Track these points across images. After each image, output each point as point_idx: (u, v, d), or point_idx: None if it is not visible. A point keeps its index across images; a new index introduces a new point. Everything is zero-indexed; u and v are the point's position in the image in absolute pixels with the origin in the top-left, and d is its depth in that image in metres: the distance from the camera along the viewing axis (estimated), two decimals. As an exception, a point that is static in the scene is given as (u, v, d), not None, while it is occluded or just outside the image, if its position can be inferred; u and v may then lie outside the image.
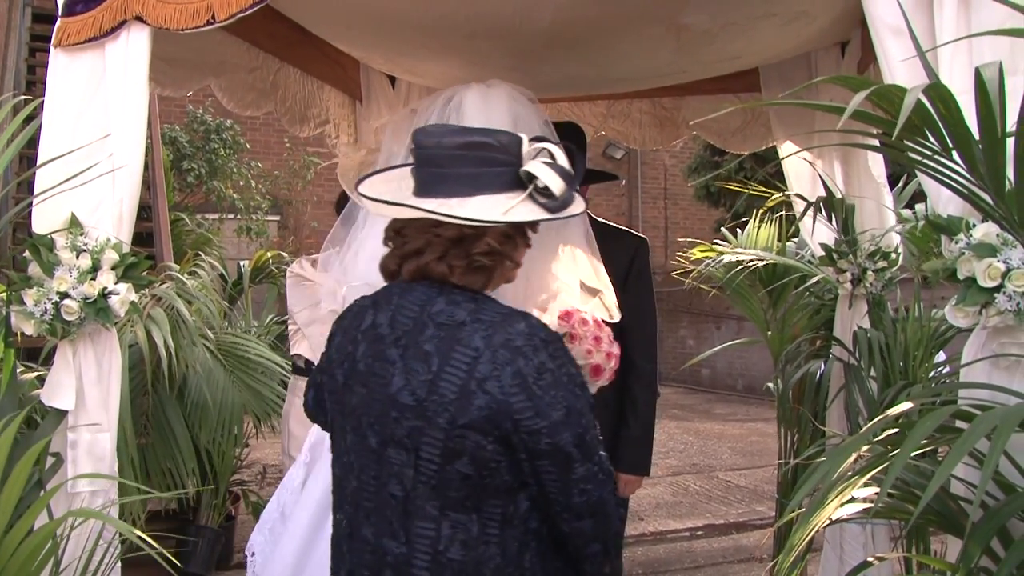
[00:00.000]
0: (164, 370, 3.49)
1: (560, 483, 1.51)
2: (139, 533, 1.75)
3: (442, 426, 1.48)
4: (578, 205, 1.62)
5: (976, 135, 1.33)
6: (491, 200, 1.55)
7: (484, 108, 2.04)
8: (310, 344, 3.00)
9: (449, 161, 1.56)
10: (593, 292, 2.19)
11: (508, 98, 2.09)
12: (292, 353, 3.18)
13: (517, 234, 1.63)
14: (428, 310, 1.55)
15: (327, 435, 1.96)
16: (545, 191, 1.56)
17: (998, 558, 1.43)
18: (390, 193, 1.61)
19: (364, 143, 3.86)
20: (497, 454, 1.49)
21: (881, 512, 1.59)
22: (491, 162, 1.56)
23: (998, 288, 1.56)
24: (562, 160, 1.59)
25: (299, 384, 3.24)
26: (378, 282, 1.73)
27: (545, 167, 1.56)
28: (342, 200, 3.00)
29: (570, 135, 2.89)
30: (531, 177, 1.56)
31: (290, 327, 3.13)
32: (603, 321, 2.09)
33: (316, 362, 2.77)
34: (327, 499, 1.90)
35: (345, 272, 2.12)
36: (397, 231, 1.64)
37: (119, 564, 2.14)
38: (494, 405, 1.47)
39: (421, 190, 1.58)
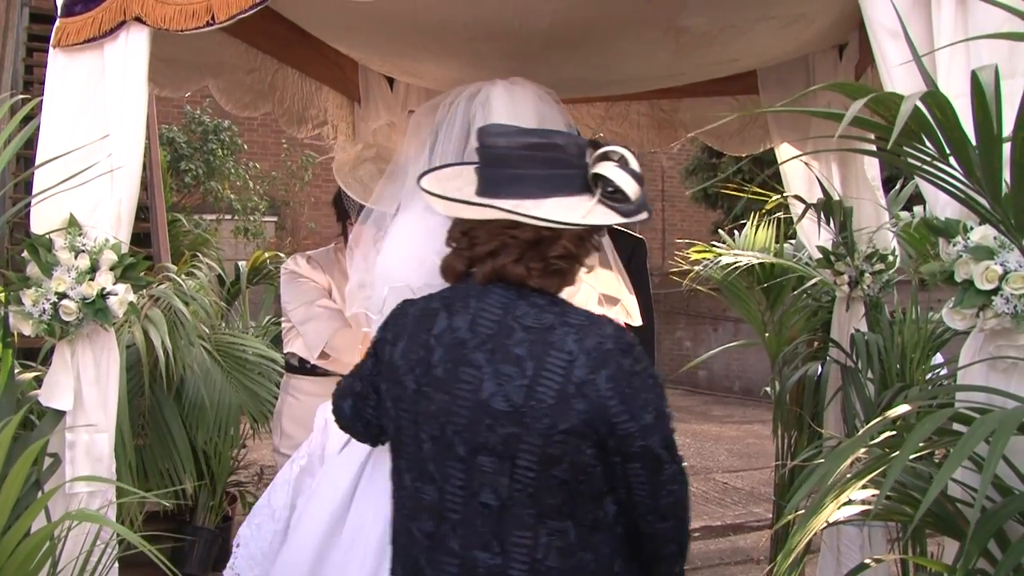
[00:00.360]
0: (162, 371, 3.49)
1: (649, 485, 1.51)
2: (136, 538, 1.75)
3: (541, 432, 1.46)
4: (645, 210, 1.59)
5: (973, 139, 1.33)
6: (565, 202, 1.53)
7: (511, 106, 2.01)
8: (305, 342, 2.91)
9: (519, 162, 1.54)
10: (613, 301, 2.18)
11: (534, 97, 2.07)
12: (285, 351, 3.08)
13: (589, 238, 1.61)
14: (512, 313, 1.53)
15: (340, 444, 1.98)
16: (618, 194, 1.53)
17: (995, 560, 1.44)
18: (455, 192, 1.59)
19: (362, 142, 3.86)
20: (593, 459, 1.48)
21: (879, 514, 1.59)
22: (560, 163, 1.54)
23: (995, 291, 1.57)
24: (634, 164, 1.57)
25: (292, 382, 3.17)
26: (417, 284, 1.77)
27: (619, 170, 1.54)
28: (340, 198, 2.95)
29: None
30: (600, 180, 1.54)
31: (283, 324, 3.05)
32: (626, 324, 2.10)
33: (310, 360, 2.85)
34: (340, 511, 1.91)
35: (374, 272, 2.01)
36: (465, 232, 1.61)
37: (116, 564, 2.14)
38: (592, 409, 1.46)
39: (489, 190, 1.56)
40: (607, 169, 1.53)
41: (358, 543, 1.91)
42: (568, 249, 1.55)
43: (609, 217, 1.54)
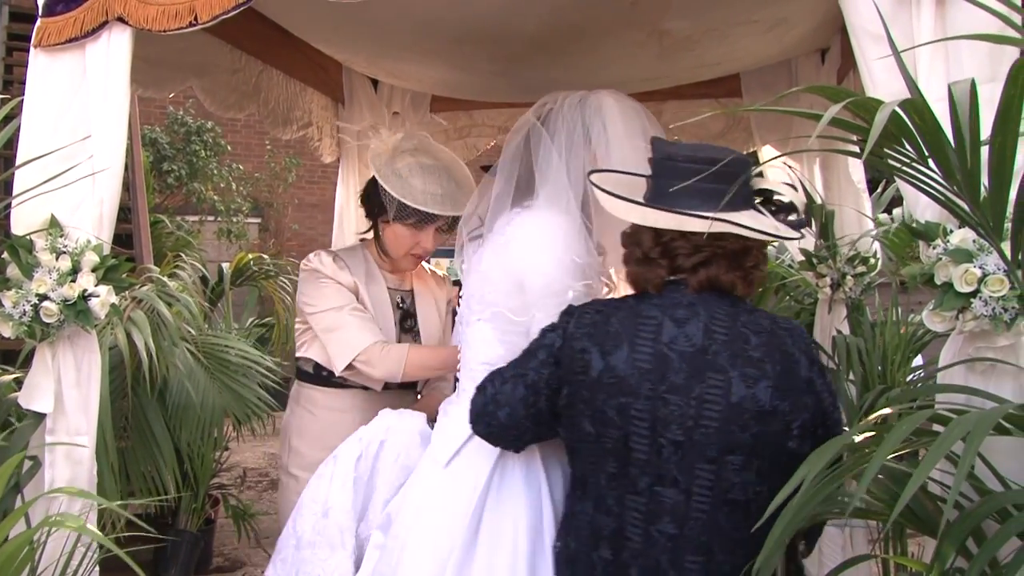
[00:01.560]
0: (145, 372, 3.46)
1: None
2: (114, 546, 1.73)
3: (781, 430, 1.60)
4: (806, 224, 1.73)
5: (952, 143, 1.35)
6: (753, 216, 1.64)
7: (623, 116, 2.03)
8: (330, 351, 2.57)
9: (716, 177, 1.59)
10: None
11: (639, 110, 2.10)
12: (299, 355, 2.75)
13: (763, 249, 1.73)
14: (738, 320, 1.63)
15: (443, 457, 1.98)
16: (789, 208, 1.66)
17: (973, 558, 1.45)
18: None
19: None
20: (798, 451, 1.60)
21: (859, 512, 1.60)
22: (730, 178, 1.59)
23: (974, 293, 1.58)
24: (793, 179, 1.69)
25: (304, 392, 2.77)
26: (579, 288, 1.88)
27: (788, 187, 1.66)
28: (373, 192, 2.69)
29: None
30: (765, 194, 1.67)
31: (298, 326, 2.77)
32: None
33: (333, 371, 2.56)
34: (471, 524, 1.88)
35: (515, 275, 1.95)
36: (660, 242, 1.69)
37: (97, 568, 2.12)
38: (816, 404, 1.63)
39: (663, 200, 1.65)
40: (774, 185, 1.66)
41: (500, 551, 1.86)
42: (759, 259, 1.69)
43: (789, 231, 1.66)
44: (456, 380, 2.24)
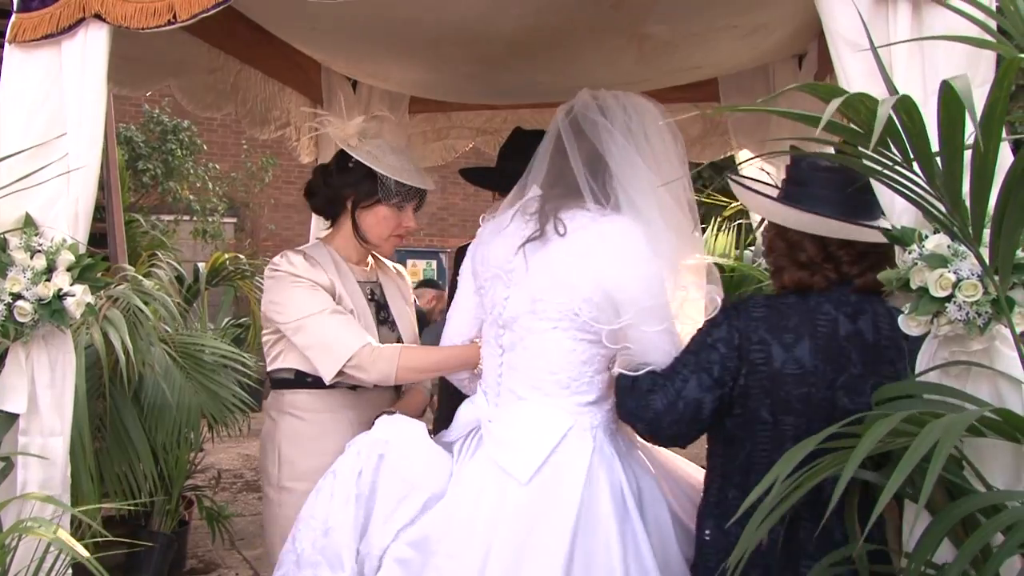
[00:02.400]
0: (121, 371, 3.42)
1: None
2: (84, 553, 1.71)
3: None
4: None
5: (936, 146, 1.36)
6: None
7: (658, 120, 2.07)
8: (325, 358, 2.36)
9: (846, 185, 1.80)
10: None
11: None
12: (275, 367, 2.53)
13: None
14: (894, 317, 1.74)
15: (526, 471, 1.92)
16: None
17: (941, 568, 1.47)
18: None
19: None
20: None
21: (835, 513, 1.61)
22: (864, 188, 1.77)
23: (949, 298, 1.60)
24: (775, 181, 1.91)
25: (287, 399, 2.54)
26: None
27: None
28: (339, 177, 2.57)
29: (535, 144, 2.89)
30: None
31: (267, 336, 2.54)
32: None
33: (324, 377, 2.36)
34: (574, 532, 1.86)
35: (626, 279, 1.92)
36: (825, 247, 1.84)
37: (70, 572, 2.10)
38: None
39: (832, 209, 1.80)
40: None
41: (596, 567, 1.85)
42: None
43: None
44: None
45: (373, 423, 2.23)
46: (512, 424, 1.99)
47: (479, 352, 2.23)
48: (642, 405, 1.86)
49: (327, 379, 2.37)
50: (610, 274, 1.90)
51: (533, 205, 2.03)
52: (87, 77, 2.15)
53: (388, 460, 2.08)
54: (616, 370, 1.96)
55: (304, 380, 2.50)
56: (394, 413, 2.37)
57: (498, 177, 2.90)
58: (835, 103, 1.22)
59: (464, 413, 2.17)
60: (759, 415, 1.81)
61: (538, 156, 2.10)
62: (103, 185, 6.39)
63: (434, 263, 12.89)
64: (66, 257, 2.10)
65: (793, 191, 1.88)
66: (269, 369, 2.56)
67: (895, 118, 1.33)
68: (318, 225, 3.85)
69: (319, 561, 2.02)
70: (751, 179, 2.08)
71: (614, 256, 1.91)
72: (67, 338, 2.19)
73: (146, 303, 3.72)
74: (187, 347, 4.24)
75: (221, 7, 2.09)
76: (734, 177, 1.96)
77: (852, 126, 1.39)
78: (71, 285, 2.10)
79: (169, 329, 4.19)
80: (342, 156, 2.58)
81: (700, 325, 1.92)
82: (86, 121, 2.15)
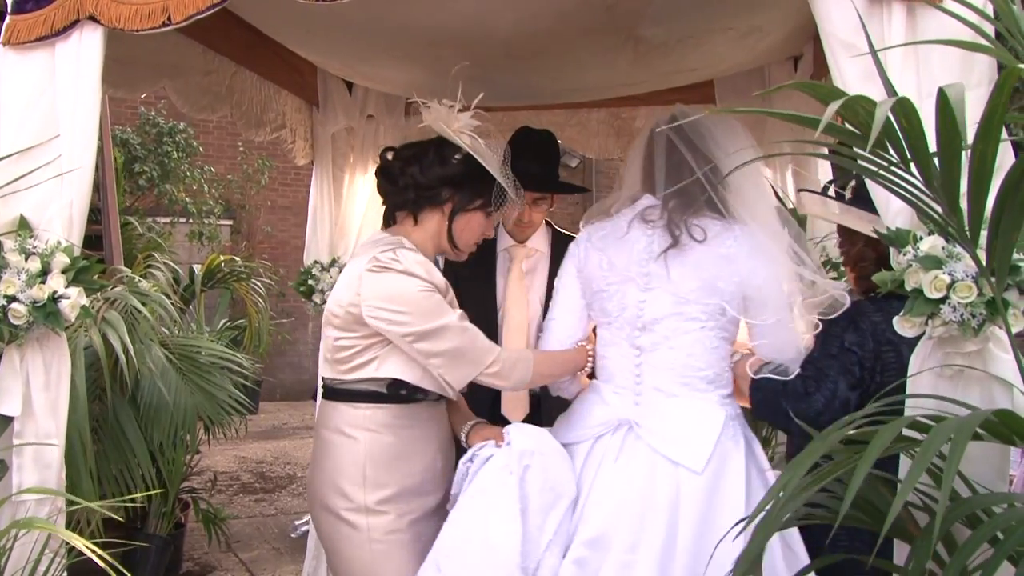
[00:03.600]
0: (120, 373, 3.41)
1: None
2: (85, 543, 1.71)
3: None
4: None
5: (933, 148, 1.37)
6: None
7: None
8: (454, 370, 2.19)
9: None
10: None
11: None
12: (362, 378, 2.24)
13: None
14: None
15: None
16: None
17: (943, 562, 1.47)
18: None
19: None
20: None
21: (835, 519, 1.62)
22: None
23: (943, 299, 1.60)
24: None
25: (367, 413, 2.25)
26: None
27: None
28: (460, 177, 2.33)
29: (545, 144, 2.88)
30: None
31: (354, 341, 2.22)
32: None
33: (454, 387, 2.24)
34: None
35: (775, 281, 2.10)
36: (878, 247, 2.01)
37: (66, 574, 2.09)
38: None
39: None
40: None
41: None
42: None
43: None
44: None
45: (450, 436, 2.34)
46: (671, 419, 2.11)
47: (587, 355, 2.31)
48: (804, 405, 1.99)
49: (457, 387, 2.24)
50: (750, 276, 2.08)
51: (653, 214, 2.17)
52: (81, 79, 2.15)
53: (533, 471, 2.10)
54: (759, 374, 2.10)
55: (397, 393, 2.25)
56: (481, 422, 2.40)
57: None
58: (834, 105, 1.22)
59: (598, 414, 2.21)
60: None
61: (639, 165, 2.26)
62: (99, 187, 6.39)
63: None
64: (61, 259, 2.10)
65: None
66: (350, 378, 2.25)
67: (893, 120, 1.34)
68: (315, 228, 3.85)
69: None
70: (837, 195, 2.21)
71: (753, 260, 2.08)
72: (62, 341, 2.18)
73: (144, 304, 3.71)
74: (184, 349, 4.24)
75: (216, 9, 2.09)
76: (827, 195, 2.18)
77: (848, 127, 1.40)
78: (66, 287, 2.10)
79: (167, 331, 4.19)
80: (442, 147, 2.32)
81: (815, 325, 2.06)
82: (80, 123, 2.15)
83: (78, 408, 2.23)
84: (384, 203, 2.43)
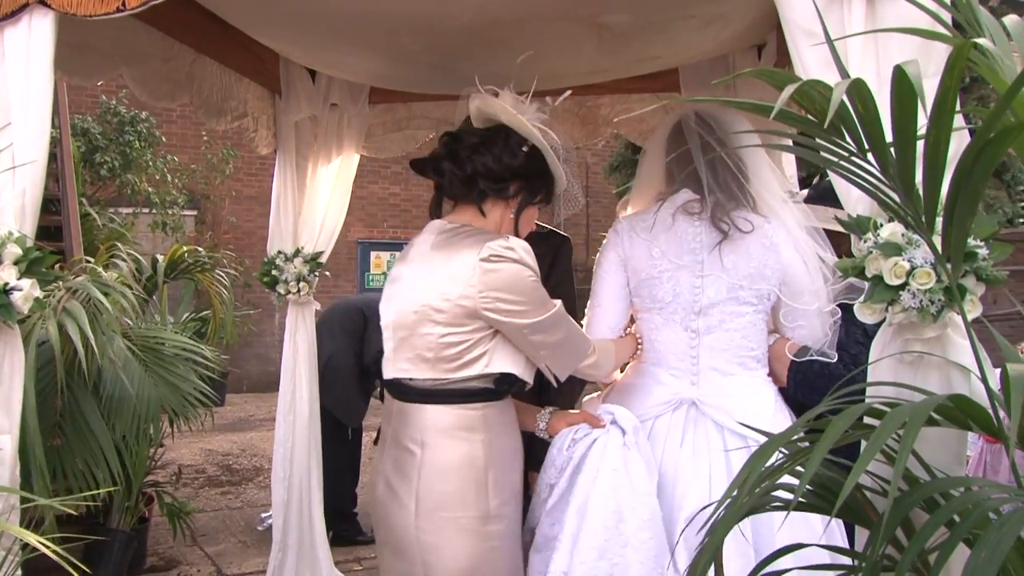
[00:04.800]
0: (81, 364, 3.35)
1: None
2: (38, 539, 1.67)
3: None
4: None
5: (888, 137, 1.37)
6: None
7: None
8: (561, 359, 2.20)
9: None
10: None
11: None
12: (473, 375, 2.13)
13: None
14: None
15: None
16: None
17: (902, 547, 1.48)
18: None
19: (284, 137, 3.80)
20: None
21: (800, 506, 1.62)
22: None
23: (903, 286, 1.61)
24: None
25: (479, 413, 2.17)
26: None
27: None
28: (531, 170, 2.26)
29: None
30: None
31: (465, 336, 2.10)
32: None
33: (560, 377, 2.26)
34: None
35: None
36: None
37: (20, 572, 2.05)
38: None
39: None
40: None
41: None
42: None
43: None
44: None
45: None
46: (731, 396, 2.26)
47: (636, 342, 2.42)
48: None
49: (562, 377, 2.23)
50: (789, 264, 2.27)
51: (695, 207, 2.31)
52: (32, 66, 2.09)
53: (643, 449, 2.20)
54: (801, 357, 2.26)
55: (503, 388, 2.20)
56: (555, 410, 2.41)
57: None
58: (789, 89, 1.22)
59: (658, 394, 2.31)
60: None
61: (661, 163, 2.43)
62: (58, 177, 6.30)
63: (397, 255, 12.80)
64: (12, 251, 2.05)
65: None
66: (459, 376, 2.13)
67: (850, 107, 1.34)
68: (278, 218, 3.80)
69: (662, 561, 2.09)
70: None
71: (789, 249, 2.27)
72: (15, 334, 2.14)
73: (106, 295, 3.65)
74: (147, 340, 4.18)
75: (171, -6, 2.05)
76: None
77: (809, 117, 1.40)
78: (18, 279, 2.05)
79: (129, 322, 4.13)
80: (509, 138, 2.23)
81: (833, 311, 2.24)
82: (32, 111, 2.10)
83: (27, 403, 2.17)
84: (440, 191, 2.34)
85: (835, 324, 2.24)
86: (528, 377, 2.19)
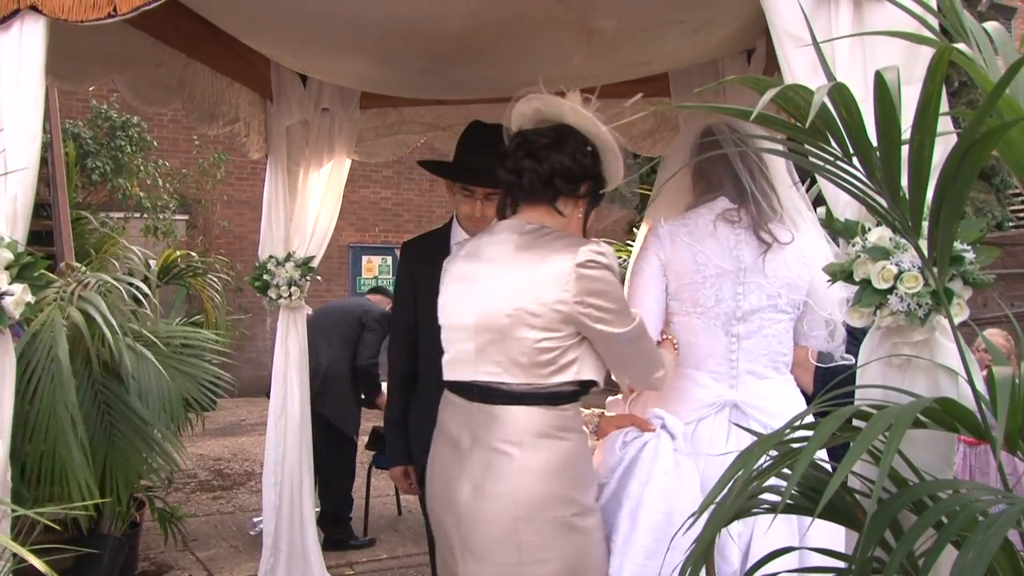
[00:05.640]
0: (105, 359, 3.36)
1: None
2: (23, 550, 1.66)
3: None
4: None
5: (874, 142, 1.38)
6: None
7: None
8: (643, 363, 2.20)
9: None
10: None
11: None
12: (566, 380, 2.11)
13: None
14: None
15: None
16: None
17: (891, 549, 1.49)
18: None
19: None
20: None
21: (787, 508, 1.63)
22: None
23: (891, 290, 1.62)
24: None
25: (569, 414, 2.16)
26: None
27: None
28: (595, 171, 2.21)
29: (498, 138, 2.87)
30: None
31: (555, 342, 2.08)
32: None
33: (639, 385, 2.34)
34: None
35: None
36: None
37: (11, 577, 2.05)
38: None
39: None
40: None
41: None
42: None
43: None
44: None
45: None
46: (769, 398, 2.36)
47: (675, 347, 2.44)
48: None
49: (642, 386, 2.34)
50: (817, 275, 2.32)
51: (734, 215, 2.37)
52: (23, 71, 2.10)
53: (681, 452, 2.27)
54: (827, 363, 2.38)
55: (584, 389, 2.19)
56: (601, 412, 2.46)
57: (463, 170, 2.73)
58: (769, 93, 1.23)
59: (701, 396, 2.37)
60: None
61: (687, 172, 2.50)
62: (49, 182, 6.28)
63: (389, 259, 12.82)
64: (3, 256, 2.05)
65: None
66: (553, 382, 2.10)
67: (834, 112, 1.35)
68: (269, 223, 3.81)
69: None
70: None
71: (816, 260, 2.32)
72: (6, 338, 2.13)
73: (109, 291, 3.66)
74: (156, 334, 4.17)
75: (163, 0, 2.05)
76: None
77: (796, 124, 1.41)
78: (9, 284, 2.05)
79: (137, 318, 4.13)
80: (575, 137, 2.17)
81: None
82: (23, 117, 2.10)
83: (5, 405, 2.15)
84: (511, 190, 2.24)
85: (843, 331, 2.37)
86: (601, 381, 2.18)
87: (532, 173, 2.15)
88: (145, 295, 4.09)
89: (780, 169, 2.42)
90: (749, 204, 2.36)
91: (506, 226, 2.21)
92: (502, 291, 2.10)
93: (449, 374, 2.21)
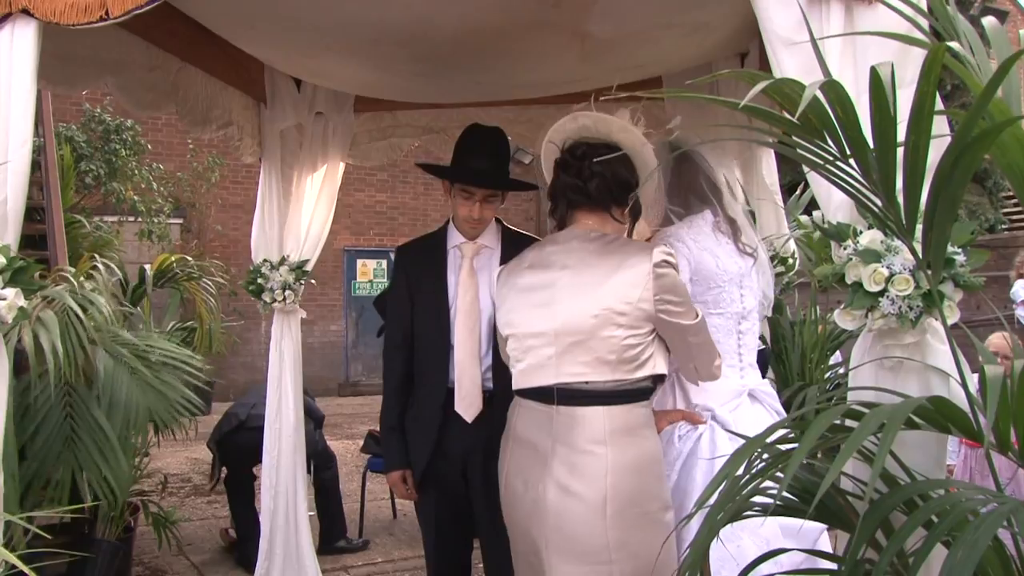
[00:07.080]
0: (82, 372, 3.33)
1: None
2: (9, 556, 1.66)
3: None
4: None
5: (870, 140, 1.38)
6: None
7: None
8: (704, 357, 2.30)
9: None
10: None
11: None
12: (644, 376, 2.21)
13: None
14: None
15: None
16: None
17: (882, 549, 1.49)
18: None
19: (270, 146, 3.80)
20: None
21: (778, 510, 1.64)
22: None
23: (882, 292, 1.63)
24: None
25: (645, 411, 2.26)
26: None
27: None
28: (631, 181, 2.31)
29: (495, 140, 2.87)
30: None
31: (637, 339, 2.19)
32: None
33: (699, 378, 2.38)
34: None
35: None
36: None
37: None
38: None
39: None
40: None
41: None
42: None
43: None
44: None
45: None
46: (763, 385, 2.66)
47: None
48: None
49: (705, 375, 2.34)
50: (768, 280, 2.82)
51: (723, 226, 2.64)
52: (15, 75, 2.09)
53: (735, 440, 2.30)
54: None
55: (656, 385, 2.29)
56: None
57: (465, 172, 2.73)
58: (760, 85, 1.24)
59: (727, 386, 2.53)
60: None
61: (662, 185, 2.62)
62: (42, 186, 6.26)
63: (384, 262, 12.81)
64: (-4, 260, 2.04)
65: None
66: (635, 377, 2.19)
67: (829, 111, 1.35)
68: (262, 227, 3.80)
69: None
70: None
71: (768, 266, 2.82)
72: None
73: (84, 308, 3.62)
74: (134, 348, 4.15)
75: (156, 3, 2.05)
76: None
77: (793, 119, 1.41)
78: (2, 288, 2.05)
79: (116, 331, 4.10)
80: (621, 150, 2.24)
81: None
82: (14, 120, 2.09)
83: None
84: (577, 196, 2.30)
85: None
86: (695, 372, 2.35)
87: (600, 179, 2.25)
88: (129, 312, 4.07)
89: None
90: (731, 217, 2.68)
91: (571, 235, 2.31)
92: (585, 294, 2.20)
93: (524, 382, 2.27)
